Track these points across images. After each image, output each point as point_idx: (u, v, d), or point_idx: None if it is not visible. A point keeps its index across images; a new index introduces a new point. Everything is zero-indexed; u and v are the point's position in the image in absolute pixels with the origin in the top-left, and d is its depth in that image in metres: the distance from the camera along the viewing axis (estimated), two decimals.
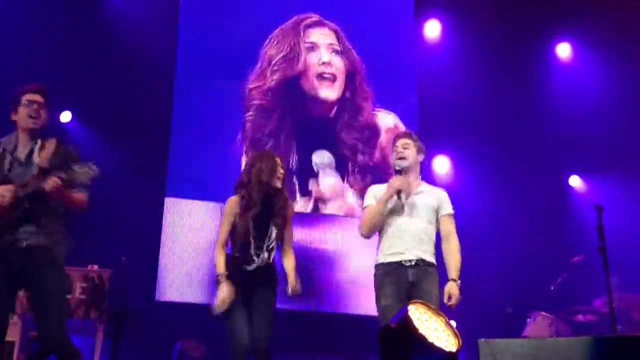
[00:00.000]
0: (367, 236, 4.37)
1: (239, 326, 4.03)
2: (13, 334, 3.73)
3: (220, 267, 4.12)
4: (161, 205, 6.55)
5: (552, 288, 6.62)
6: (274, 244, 4.22)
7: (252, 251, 4.14)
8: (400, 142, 4.35)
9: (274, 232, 4.23)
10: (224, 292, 4.01)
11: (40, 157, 3.61)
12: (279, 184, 4.30)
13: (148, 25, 6.84)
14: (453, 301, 4.10)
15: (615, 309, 4.67)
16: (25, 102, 3.69)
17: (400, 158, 4.30)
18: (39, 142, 3.68)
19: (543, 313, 6.36)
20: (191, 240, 6.60)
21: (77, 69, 6.65)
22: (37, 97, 3.71)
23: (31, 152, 3.66)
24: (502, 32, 7.89)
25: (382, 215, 4.22)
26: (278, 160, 4.35)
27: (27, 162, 3.64)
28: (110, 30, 6.84)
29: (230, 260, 4.20)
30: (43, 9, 6.73)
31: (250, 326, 4.07)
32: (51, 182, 3.41)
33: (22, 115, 3.68)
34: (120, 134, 6.58)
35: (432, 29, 8.15)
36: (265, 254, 4.17)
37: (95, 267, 5.40)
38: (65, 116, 6.82)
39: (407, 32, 7.94)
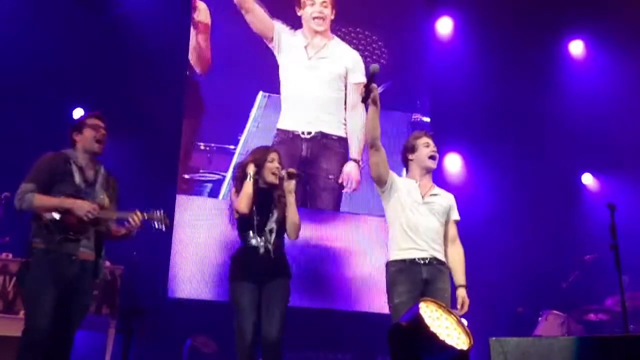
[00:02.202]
0: (371, 144, 4.12)
1: (244, 325, 4.03)
2: (17, 330, 3.76)
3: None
4: (173, 202, 6.55)
5: (564, 287, 6.60)
6: (274, 225, 4.22)
7: (255, 232, 4.17)
8: (432, 143, 4.35)
9: (275, 214, 4.24)
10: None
11: (107, 195, 3.95)
12: (273, 179, 4.28)
13: (161, 21, 6.84)
14: (466, 308, 4.15)
15: (627, 308, 4.65)
16: (93, 125, 3.90)
17: (433, 157, 4.32)
18: (103, 170, 3.98)
19: (555, 312, 6.33)
20: (202, 238, 6.60)
21: (90, 66, 6.67)
22: (102, 124, 3.94)
23: (95, 176, 3.92)
24: (515, 29, 7.84)
25: (374, 120, 4.04)
26: (273, 155, 4.33)
27: (92, 184, 3.90)
28: (123, 26, 6.83)
29: (241, 253, 4.23)
30: (55, 5, 6.74)
31: (258, 323, 4.07)
32: (125, 231, 3.95)
33: (88, 138, 3.89)
34: (132, 131, 6.58)
35: (444, 27, 8.12)
36: (268, 236, 4.18)
37: (108, 263, 5.41)
38: (78, 112, 6.85)
39: (419, 30, 7.90)
